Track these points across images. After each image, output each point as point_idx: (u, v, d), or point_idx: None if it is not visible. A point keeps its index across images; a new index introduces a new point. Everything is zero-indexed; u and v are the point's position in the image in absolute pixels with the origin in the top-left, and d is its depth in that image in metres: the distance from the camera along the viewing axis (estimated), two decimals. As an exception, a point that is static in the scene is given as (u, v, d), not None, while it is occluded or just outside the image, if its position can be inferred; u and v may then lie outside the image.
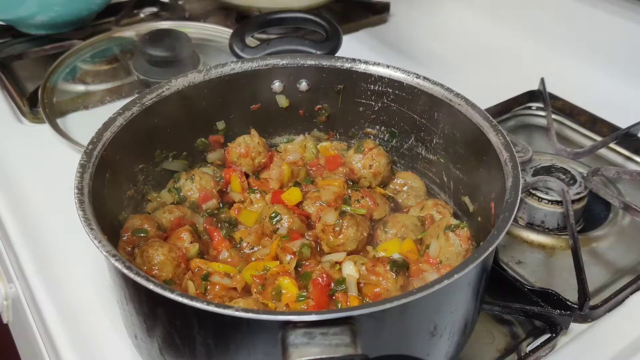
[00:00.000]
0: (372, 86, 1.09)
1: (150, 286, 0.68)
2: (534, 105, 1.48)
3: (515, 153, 0.88)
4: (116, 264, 0.71)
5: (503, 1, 1.82)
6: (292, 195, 1.04)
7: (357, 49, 1.73)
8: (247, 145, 1.09)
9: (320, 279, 0.85)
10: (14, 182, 1.24)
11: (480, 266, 0.78)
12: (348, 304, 0.85)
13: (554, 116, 1.41)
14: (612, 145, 1.36)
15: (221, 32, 1.66)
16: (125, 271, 0.70)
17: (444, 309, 0.77)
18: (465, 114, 0.98)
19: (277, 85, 1.12)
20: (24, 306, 1.14)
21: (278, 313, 0.68)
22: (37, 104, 1.40)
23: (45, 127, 1.34)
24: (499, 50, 1.71)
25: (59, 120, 1.37)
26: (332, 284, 0.86)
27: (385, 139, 1.15)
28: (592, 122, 1.42)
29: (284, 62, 1.10)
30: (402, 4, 1.95)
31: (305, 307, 0.83)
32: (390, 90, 1.08)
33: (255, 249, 0.98)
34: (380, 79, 1.08)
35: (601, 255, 1.13)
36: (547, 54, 1.66)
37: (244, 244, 0.98)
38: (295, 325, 0.64)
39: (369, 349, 0.63)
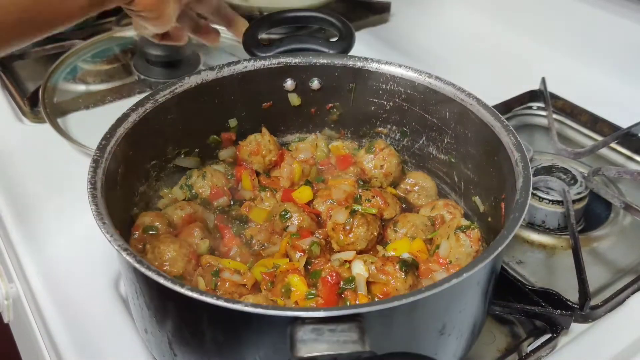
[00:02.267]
0: (383, 85, 1.09)
1: (161, 280, 0.69)
2: (535, 104, 1.48)
3: (526, 153, 0.88)
4: (128, 258, 0.72)
5: (504, 1, 1.82)
6: (303, 193, 1.04)
7: (358, 49, 1.69)
8: (257, 143, 1.09)
9: (329, 277, 0.85)
10: (14, 182, 1.24)
11: (490, 266, 0.78)
12: (357, 302, 0.84)
13: (554, 116, 1.41)
14: (613, 145, 1.36)
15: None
16: (137, 265, 0.71)
17: (453, 307, 0.77)
18: (476, 113, 0.98)
19: (289, 83, 1.11)
20: (24, 306, 1.13)
21: (287, 309, 0.69)
22: (38, 104, 1.39)
23: (46, 127, 1.34)
24: (499, 49, 1.71)
25: (59, 120, 1.37)
26: (342, 283, 0.86)
27: (397, 138, 1.14)
28: (593, 122, 1.42)
29: (297, 60, 1.09)
30: (402, 4, 1.95)
31: (315, 305, 0.83)
32: (402, 90, 1.08)
33: (266, 245, 0.98)
34: (392, 78, 1.08)
35: (602, 255, 1.13)
36: (548, 53, 1.66)
37: (254, 242, 0.99)
38: (304, 321, 0.64)
39: (377, 347, 0.63)
